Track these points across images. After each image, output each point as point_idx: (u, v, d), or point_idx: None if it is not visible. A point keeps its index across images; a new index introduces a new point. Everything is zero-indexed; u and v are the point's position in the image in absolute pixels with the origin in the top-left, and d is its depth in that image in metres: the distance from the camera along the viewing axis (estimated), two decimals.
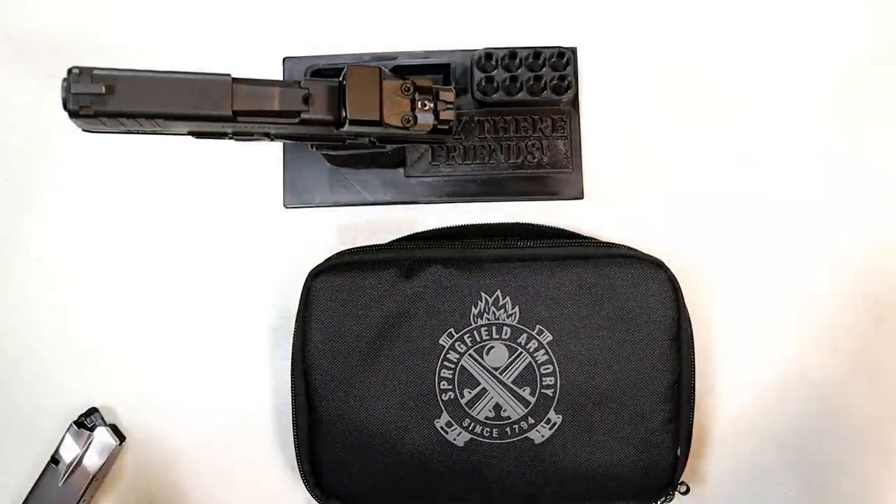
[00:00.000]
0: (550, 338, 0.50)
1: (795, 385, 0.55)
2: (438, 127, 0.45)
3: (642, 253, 0.51)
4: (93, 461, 0.53)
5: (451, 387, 0.50)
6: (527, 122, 0.56)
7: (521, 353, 0.50)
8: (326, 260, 0.52)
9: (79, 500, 0.52)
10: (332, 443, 0.51)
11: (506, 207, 0.57)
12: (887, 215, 0.56)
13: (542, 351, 0.50)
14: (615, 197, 0.57)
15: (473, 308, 0.50)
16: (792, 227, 0.56)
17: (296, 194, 0.57)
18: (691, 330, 0.51)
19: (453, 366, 0.50)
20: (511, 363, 0.50)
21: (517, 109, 0.56)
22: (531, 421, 0.50)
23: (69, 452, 0.53)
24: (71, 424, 0.54)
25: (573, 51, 0.56)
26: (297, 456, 0.51)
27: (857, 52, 0.57)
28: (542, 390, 0.50)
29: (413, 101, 0.44)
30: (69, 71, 0.39)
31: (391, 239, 0.55)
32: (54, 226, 0.56)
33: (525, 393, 0.50)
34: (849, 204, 0.56)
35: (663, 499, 0.52)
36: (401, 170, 0.56)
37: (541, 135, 0.56)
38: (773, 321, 0.56)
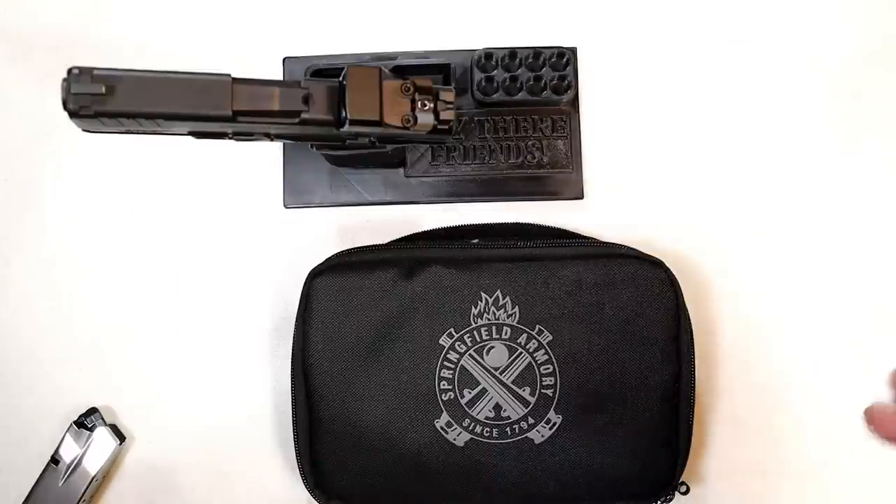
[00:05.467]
0: (550, 338, 0.50)
1: (795, 385, 0.55)
2: (438, 127, 0.45)
3: (642, 253, 0.51)
4: (93, 461, 0.53)
5: (451, 387, 0.50)
6: (527, 122, 0.56)
7: (521, 353, 0.50)
8: (326, 260, 0.52)
9: (79, 500, 0.52)
10: (331, 443, 0.51)
11: (506, 207, 0.57)
12: (888, 215, 0.56)
13: (542, 351, 0.50)
14: (615, 197, 0.57)
15: (473, 308, 0.50)
16: (792, 226, 0.56)
17: (296, 194, 0.57)
18: (691, 329, 0.51)
19: (453, 366, 0.50)
20: (511, 363, 0.50)
21: (517, 109, 0.56)
22: (531, 421, 0.50)
23: (69, 452, 0.53)
24: (71, 424, 0.54)
25: (573, 51, 0.56)
26: (297, 456, 0.51)
27: (857, 51, 0.57)
28: (542, 390, 0.50)
29: (413, 101, 0.44)
30: (69, 71, 0.39)
31: (391, 239, 0.55)
32: (54, 226, 0.56)
33: (525, 393, 0.50)
34: (849, 204, 0.56)
35: (663, 499, 0.52)
36: (401, 170, 0.56)
37: (541, 135, 0.56)
38: (773, 321, 0.56)
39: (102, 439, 0.53)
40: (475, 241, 0.53)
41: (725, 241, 0.56)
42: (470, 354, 0.50)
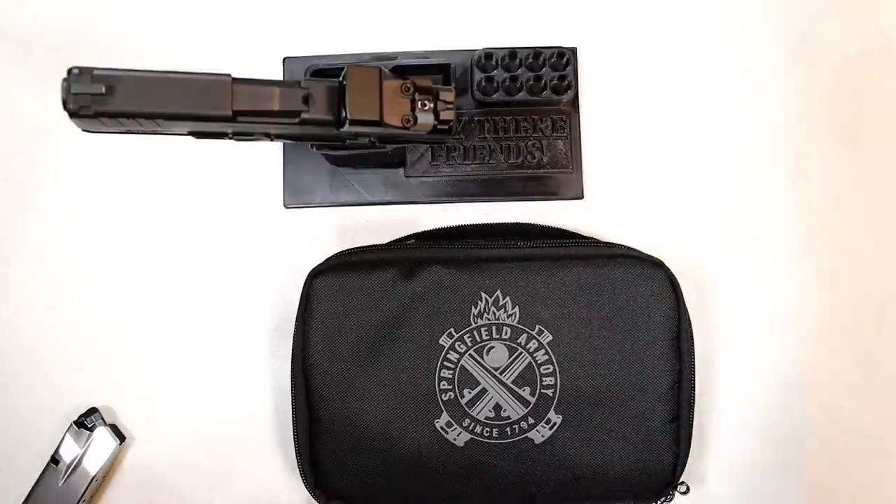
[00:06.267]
0: (550, 338, 0.50)
1: (795, 385, 0.55)
2: (438, 127, 0.45)
3: (642, 253, 0.51)
4: (93, 461, 0.53)
5: (451, 387, 0.50)
6: (527, 122, 0.56)
7: (521, 353, 0.50)
8: (326, 260, 0.52)
9: (79, 500, 0.52)
10: (331, 443, 0.51)
11: (506, 207, 0.57)
12: (887, 215, 0.56)
13: (542, 351, 0.50)
14: (615, 197, 0.57)
15: (473, 308, 0.50)
16: (792, 227, 0.56)
17: (296, 194, 0.57)
18: (691, 330, 0.51)
19: (453, 366, 0.50)
20: (511, 363, 0.50)
21: (517, 109, 0.56)
22: (531, 421, 0.50)
23: (69, 452, 0.53)
24: (71, 424, 0.54)
25: (573, 51, 0.56)
26: (297, 456, 0.51)
27: (857, 51, 0.57)
28: (542, 390, 0.50)
29: (413, 101, 0.44)
30: (69, 71, 0.39)
31: (391, 239, 0.55)
32: (54, 226, 0.56)
33: (525, 393, 0.50)
34: (849, 204, 0.56)
35: (663, 499, 0.52)
36: (401, 170, 0.56)
37: (541, 135, 0.56)
38: (773, 321, 0.56)
39: (102, 439, 0.53)
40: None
41: (725, 241, 0.56)
42: (470, 354, 0.50)
